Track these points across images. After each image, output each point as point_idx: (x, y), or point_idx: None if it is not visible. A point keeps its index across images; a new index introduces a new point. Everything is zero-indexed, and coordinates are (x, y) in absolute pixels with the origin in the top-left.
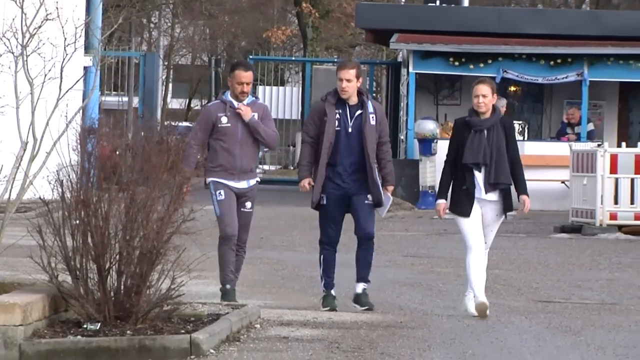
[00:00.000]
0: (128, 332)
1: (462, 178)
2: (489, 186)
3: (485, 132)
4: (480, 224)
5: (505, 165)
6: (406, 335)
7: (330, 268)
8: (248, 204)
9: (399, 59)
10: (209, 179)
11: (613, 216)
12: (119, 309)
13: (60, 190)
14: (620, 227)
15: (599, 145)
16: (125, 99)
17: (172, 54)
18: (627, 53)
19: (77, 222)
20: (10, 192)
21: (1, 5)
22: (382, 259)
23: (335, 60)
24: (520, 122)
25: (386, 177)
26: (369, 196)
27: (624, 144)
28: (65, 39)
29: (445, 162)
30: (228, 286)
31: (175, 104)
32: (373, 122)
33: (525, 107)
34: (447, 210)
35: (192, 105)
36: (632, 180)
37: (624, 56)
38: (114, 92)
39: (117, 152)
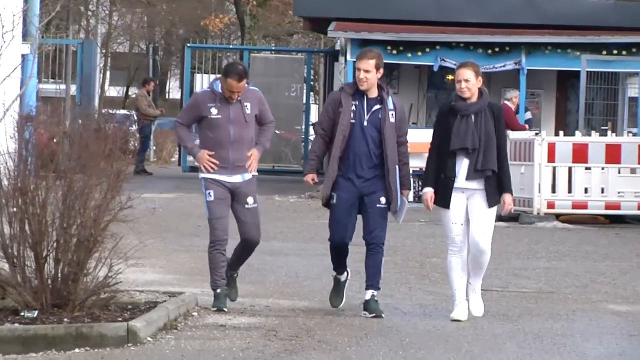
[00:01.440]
0: (65, 319)
1: (444, 165)
2: (474, 173)
3: (473, 116)
4: (463, 217)
5: (494, 151)
6: (343, 323)
7: (341, 260)
8: (250, 200)
9: (337, 47)
10: (200, 176)
11: (550, 205)
12: (57, 296)
13: None
14: (557, 216)
15: (536, 134)
16: (63, 86)
17: (109, 42)
18: (565, 42)
19: (15, 209)
20: None
21: None
22: (320, 247)
23: (273, 48)
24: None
25: (402, 181)
26: (383, 199)
27: (561, 132)
28: (3, 26)
29: (430, 149)
30: (219, 290)
31: (113, 91)
32: (392, 120)
33: None
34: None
35: (129, 93)
36: (570, 169)
37: (561, 45)
38: (52, 80)
39: (55, 140)
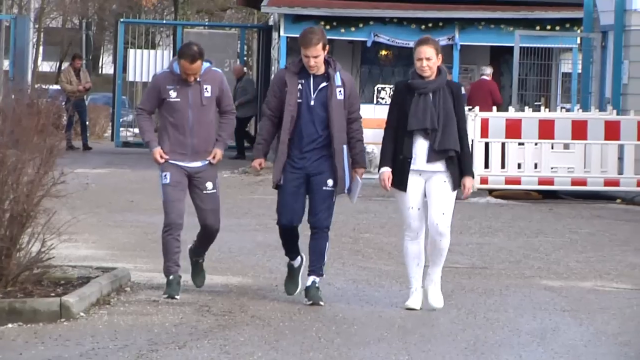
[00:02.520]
0: None
1: (401, 146)
2: (434, 154)
3: (431, 95)
4: (419, 201)
5: (454, 130)
6: (277, 298)
7: (291, 244)
8: (209, 185)
9: (270, 23)
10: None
11: (484, 180)
12: None
13: None
14: (490, 192)
15: (470, 110)
16: None
17: (43, 17)
18: (498, 17)
19: None
20: None
21: None
22: (252, 222)
23: (206, 23)
24: (392, 86)
25: (355, 159)
26: (330, 181)
27: (494, 108)
28: None
29: (386, 128)
30: (171, 277)
31: (46, 66)
32: (340, 97)
33: (396, 71)
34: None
35: (62, 68)
36: (503, 144)
37: (494, 20)
38: None
39: None
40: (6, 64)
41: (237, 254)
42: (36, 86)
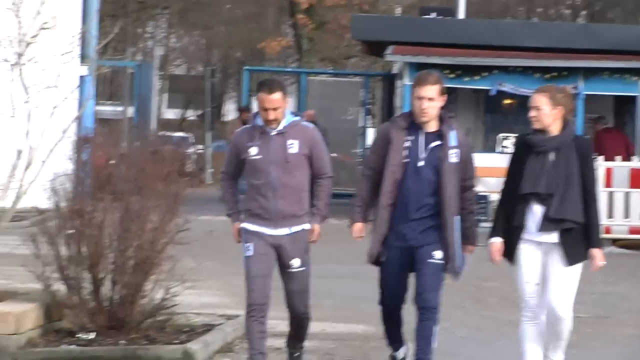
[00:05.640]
0: (122, 341)
1: (514, 213)
2: (549, 223)
3: (553, 154)
4: (538, 275)
5: (575, 197)
6: None
7: (395, 330)
8: (295, 262)
9: (394, 71)
10: (241, 225)
11: (607, 230)
12: (113, 318)
13: (55, 199)
14: (614, 241)
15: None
16: (120, 108)
17: (167, 64)
18: (623, 67)
19: (72, 231)
20: (6, 200)
21: None
22: (370, 269)
23: (330, 71)
24: (516, 135)
25: (466, 233)
26: (438, 252)
27: (619, 157)
28: (62, 49)
29: (502, 191)
30: None
31: (170, 114)
32: (455, 160)
33: (520, 120)
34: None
35: (187, 115)
36: (627, 194)
37: (619, 70)
38: (109, 102)
39: (112, 162)
40: (131, 111)
41: (359, 301)
42: (160, 133)
